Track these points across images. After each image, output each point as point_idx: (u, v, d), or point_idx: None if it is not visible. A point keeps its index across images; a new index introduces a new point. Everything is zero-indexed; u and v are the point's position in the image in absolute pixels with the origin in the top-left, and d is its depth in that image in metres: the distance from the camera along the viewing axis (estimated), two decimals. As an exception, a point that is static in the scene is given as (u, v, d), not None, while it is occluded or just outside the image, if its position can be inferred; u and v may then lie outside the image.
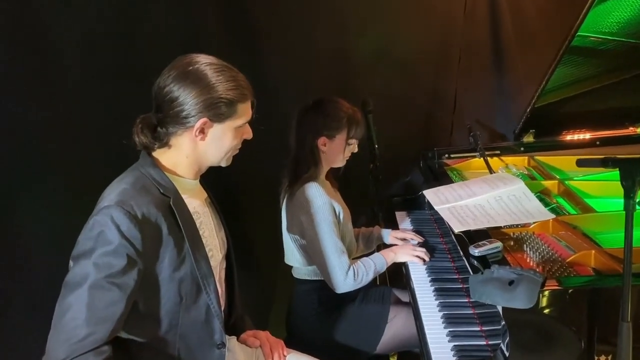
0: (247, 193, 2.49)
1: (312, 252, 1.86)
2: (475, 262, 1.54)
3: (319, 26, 2.52)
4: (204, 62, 1.33)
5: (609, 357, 1.28)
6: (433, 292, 1.80)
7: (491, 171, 2.24)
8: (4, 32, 1.71)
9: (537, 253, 1.62)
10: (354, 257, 2.02)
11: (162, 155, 1.39)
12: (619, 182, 2.03)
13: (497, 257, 1.54)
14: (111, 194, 1.29)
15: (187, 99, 1.29)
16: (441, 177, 2.38)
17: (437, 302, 1.73)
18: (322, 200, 1.84)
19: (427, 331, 1.59)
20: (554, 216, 1.74)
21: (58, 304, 1.22)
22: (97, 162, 1.85)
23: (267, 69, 2.46)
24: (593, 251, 1.55)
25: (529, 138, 2.60)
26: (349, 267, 1.81)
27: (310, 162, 1.90)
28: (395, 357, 2.21)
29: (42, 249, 1.85)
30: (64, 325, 1.18)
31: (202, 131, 1.34)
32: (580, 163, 1.20)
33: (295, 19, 2.46)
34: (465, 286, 1.81)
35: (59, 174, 1.86)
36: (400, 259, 1.97)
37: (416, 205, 2.58)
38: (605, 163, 1.09)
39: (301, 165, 1.90)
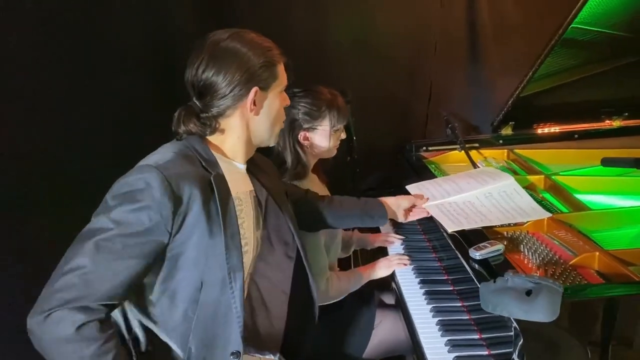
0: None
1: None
2: (477, 265, 1.43)
3: (294, 14, 2.40)
4: (227, 37, 1.27)
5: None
6: (424, 295, 1.70)
7: (474, 165, 2.15)
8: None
9: (536, 255, 1.53)
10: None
11: (214, 140, 1.33)
12: (606, 178, 2.06)
13: (499, 260, 1.44)
14: (151, 157, 1.22)
15: (230, 77, 1.24)
16: (420, 170, 2.28)
17: (429, 306, 1.63)
18: None
19: (423, 341, 1.48)
20: (550, 214, 1.66)
21: (65, 255, 1.12)
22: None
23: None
24: (597, 253, 1.47)
25: (507, 130, 2.53)
26: (326, 279, 1.69)
27: (294, 160, 1.76)
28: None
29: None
30: (61, 275, 1.09)
31: (254, 103, 1.28)
32: (606, 162, 1.10)
33: (270, 6, 2.32)
34: (456, 288, 1.71)
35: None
36: (380, 274, 1.87)
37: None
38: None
39: (285, 164, 1.76)
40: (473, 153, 2.42)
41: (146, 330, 1.27)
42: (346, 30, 2.52)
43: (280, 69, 1.32)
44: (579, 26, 2.11)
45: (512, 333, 1.27)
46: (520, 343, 1.20)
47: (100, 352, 1.08)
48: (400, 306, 1.71)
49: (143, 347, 1.28)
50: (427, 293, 1.70)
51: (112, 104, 1.82)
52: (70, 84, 1.70)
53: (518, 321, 1.20)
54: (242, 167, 1.37)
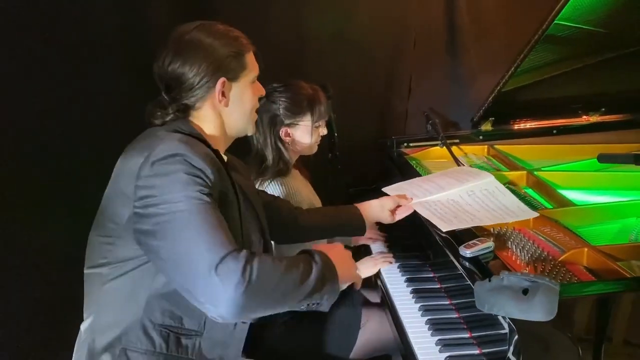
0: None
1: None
2: (467, 263, 1.41)
3: (273, 8, 2.35)
4: (192, 29, 1.25)
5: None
6: (411, 293, 1.68)
7: (456, 160, 2.14)
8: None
9: (525, 251, 1.52)
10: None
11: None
12: (588, 173, 2.08)
13: (489, 257, 1.42)
14: (160, 146, 1.15)
15: (196, 69, 1.22)
16: (402, 167, 2.26)
17: (417, 305, 1.61)
18: (293, 198, 1.66)
19: (413, 341, 1.46)
20: (537, 214, 1.65)
21: (166, 249, 1.09)
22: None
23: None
24: (585, 249, 1.47)
25: (487, 126, 2.53)
26: None
27: (275, 157, 1.71)
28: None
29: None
30: (190, 254, 1.06)
31: (223, 94, 1.26)
32: (602, 159, 1.08)
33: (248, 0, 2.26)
34: (443, 286, 1.69)
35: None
36: (365, 274, 1.81)
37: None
38: (639, 159, 0.98)
39: (266, 161, 1.71)
40: (454, 149, 2.41)
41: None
42: (325, 24, 2.48)
43: (249, 58, 1.30)
44: (560, 22, 2.12)
45: (502, 331, 1.25)
46: (515, 339, 1.18)
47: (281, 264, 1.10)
48: (387, 305, 1.68)
49: None
50: (414, 291, 1.68)
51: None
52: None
53: (512, 319, 1.18)
54: (224, 158, 1.34)
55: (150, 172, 1.12)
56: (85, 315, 1.29)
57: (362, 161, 2.54)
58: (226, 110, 1.28)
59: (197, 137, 1.24)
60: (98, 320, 1.24)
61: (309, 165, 1.99)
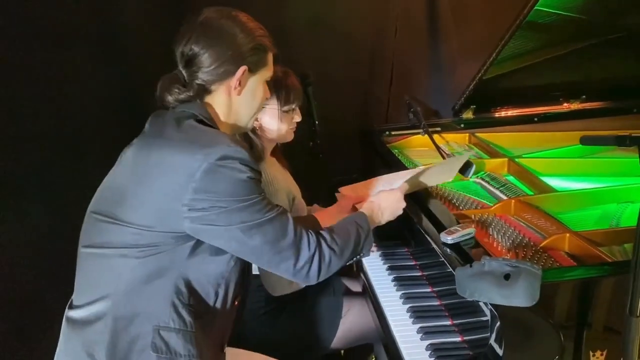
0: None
1: None
2: (449, 250, 1.39)
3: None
4: (221, 15, 1.26)
5: (605, 352, 1.19)
6: (392, 281, 1.66)
7: (438, 148, 2.12)
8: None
9: (506, 237, 1.52)
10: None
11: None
12: (570, 160, 2.08)
13: (470, 243, 1.41)
14: (207, 146, 1.15)
15: (219, 52, 1.22)
16: (385, 155, 2.24)
17: (399, 293, 1.59)
18: (270, 187, 1.62)
19: (394, 329, 1.44)
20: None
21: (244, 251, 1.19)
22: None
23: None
24: (567, 235, 1.46)
25: (468, 114, 2.51)
26: None
27: (246, 142, 1.67)
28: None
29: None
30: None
31: (240, 83, 1.25)
32: (585, 141, 1.07)
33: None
34: (424, 274, 1.68)
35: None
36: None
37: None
38: (621, 141, 0.96)
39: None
40: (435, 137, 2.39)
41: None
42: (306, 11, 2.44)
43: (270, 58, 1.31)
44: (540, 8, 2.10)
45: (483, 318, 1.24)
46: (497, 326, 1.17)
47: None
48: (368, 294, 1.67)
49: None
50: (396, 279, 1.66)
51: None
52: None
53: (494, 306, 1.17)
54: None
55: (213, 178, 1.13)
56: (87, 299, 1.22)
57: (344, 149, 2.51)
58: (238, 99, 1.28)
59: (212, 126, 1.25)
60: (120, 303, 1.18)
61: (286, 153, 1.94)
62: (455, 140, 2.45)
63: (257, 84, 1.29)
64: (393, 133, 2.45)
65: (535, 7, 2.07)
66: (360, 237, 1.32)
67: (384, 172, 1.84)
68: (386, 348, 1.47)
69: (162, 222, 1.16)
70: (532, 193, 1.83)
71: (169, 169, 1.16)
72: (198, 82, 1.24)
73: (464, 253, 1.36)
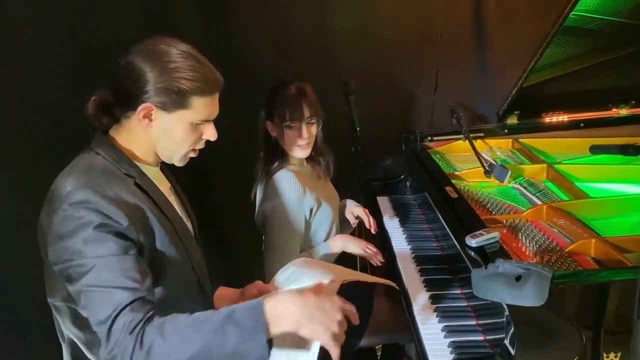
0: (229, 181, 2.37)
1: (265, 247, 1.78)
2: (473, 253, 1.45)
3: (295, 4, 2.41)
4: (175, 45, 1.21)
5: (619, 355, 1.21)
6: (423, 283, 1.72)
7: (478, 155, 2.15)
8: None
9: (534, 242, 1.55)
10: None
11: (118, 136, 1.27)
12: (611, 166, 2.06)
13: (495, 247, 1.46)
14: (68, 181, 1.15)
15: (139, 78, 1.18)
16: (425, 161, 2.29)
17: (428, 294, 1.65)
18: (283, 196, 1.74)
19: (420, 326, 1.50)
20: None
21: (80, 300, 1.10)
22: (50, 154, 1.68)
23: (241, 47, 2.35)
24: (593, 240, 1.48)
25: (512, 120, 2.52)
26: None
27: (269, 151, 1.81)
28: (380, 349, 2.13)
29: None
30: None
31: (147, 117, 1.21)
32: (594, 149, 1.10)
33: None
34: (457, 276, 1.73)
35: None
36: (351, 249, 1.86)
37: (398, 190, 2.50)
38: (625, 150, 1.00)
39: (263, 154, 1.83)
40: (478, 143, 2.43)
41: None
42: (350, 20, 2.52)
43: (200, 102, 1.22)
44: (582, 14, 2.10)
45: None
46: (511, 331, 1.22)
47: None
48: (401, 293, 1.73)
49: None
50: (427, 282, 1.72)
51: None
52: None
53: (510, 307, 1.22)
54: (153, 169, 1.33)
55: (62, 226, 1.11)
56: (62, 339, 1.32)
57: (385, 155, 2.58)
58: (151, 131, 1.24)
59: (121, 161, 1.23)
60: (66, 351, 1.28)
61: (321, 157, 2.01)
62: (498, 145, 2.48)
63: (173, 123, 1.23)
64: (435, 138, 2.50)
65: (579, 13, 2.08)
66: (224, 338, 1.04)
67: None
68: (415, 345, 1.53)
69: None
70: (568, 199, 1.85)
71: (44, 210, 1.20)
72: (118, 106, 1.23)
73: (487, 256, 1.40)
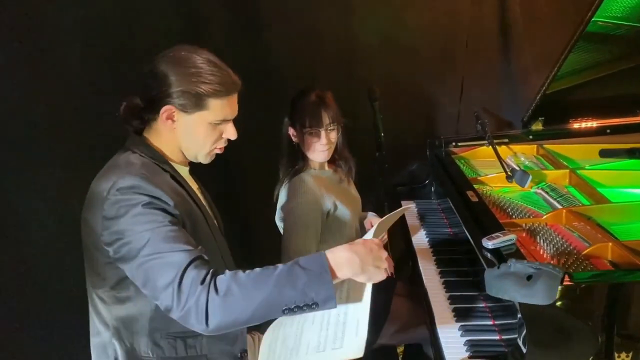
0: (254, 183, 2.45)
1: (282, 248, 1.84)
2: (489, 255, 1.49)
3: (324, 10, 2.48)
4: (195, 52, 1.32)
5: (630, 355, 1.24)
6: (442, 284, 1.76)
7: (500, 160, 2.18)
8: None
9: (551, 245, 1.58)
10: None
11: (149, 137, 1.39)
12: (634, 172, 2.06)
13: (511, 249, 1.49)
14: (110, 177, 1.25)
15: (162, 82, 1.29)
16: (449, 166, 2.33)
17: (447, 294, 1.69)
18: (301, 198, 1.79)
19: (437, 325, 1.55)
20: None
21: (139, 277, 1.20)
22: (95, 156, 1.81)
23: (269, 55, 2.42)
24: (610, 243, 1.50)
25: (537, 126, 2.53)
26: None
27: (291, 156, 1.87)
28: (402, 349, 2.17)
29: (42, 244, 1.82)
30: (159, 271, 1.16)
31: (170, 118, 1.32)
32: (603, 153, 1.14)
33: (298, 3, 2.41)
34: (476, 279, 1.76)
35: (57, 167, 1.83)
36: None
37: (422, 194, 2.53)
38: (632, 153, 1.03)
39: (285, 158, 1.90)
40: (503, 148, 2.45)
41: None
42: (376, 27, 2.58)
43: (217, 103, 1.32)
44: (608, 21, 2.11)
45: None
46: (524, 333, 1.26)
47: None
48: (421, 294, 1.78)
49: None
50: (446, 283, 1.76)
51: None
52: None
53: (523, 308, 1.26)
54: (184, 169, 1.44)
55: (113, 210, 1.21)
56: (94, 331, 1.41)
57: (410, 160, 2.62)
58: (175, 132, 1.34)
59: (156, 158, 1.34)
60: (110, 338, 1.37)
61: (343, 161, 2.07)
62: (523, 151, 2.49)
63: (193, 124, 1.33)
64: (460, 144, 2.53)
65: (605, 20, 2.10)
66: (294, 280, 1.14)
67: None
68: (431, 342, 1.57)
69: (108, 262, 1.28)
70: (589, 204, 1.86)
71: (91, 203, 1.29)
72: (147, 109, 1.34)
73: (502, 258, 1.44)
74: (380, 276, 1.24)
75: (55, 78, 1.81)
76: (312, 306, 1.14)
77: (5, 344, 1.84)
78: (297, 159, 1.89)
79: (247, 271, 1.17)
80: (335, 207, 1.86)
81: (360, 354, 1.19)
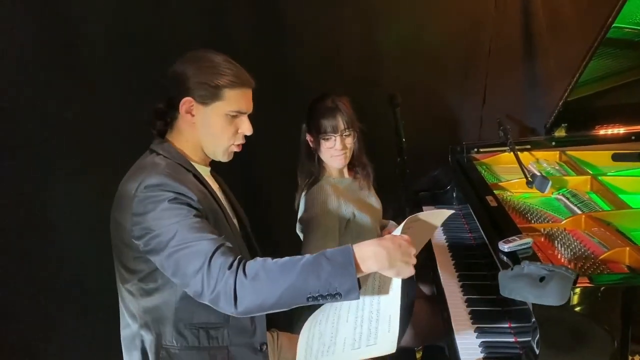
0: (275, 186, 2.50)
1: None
2: (505, 257, 1.50)
3: (346, 17, 2.52)
4: (211, 52, 1.43)
5: (643, 357, 1.24)
6: (460, 288, 1.78)
7: (521, 166, 2.19)
8: (34, 31, 1.77)
9: (569, 250, 1.59)
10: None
11: (172, 139, 1.47)
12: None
13: (527, 253, 1.50)
14: (137, 179, 1.33)
15: (180, 77, 1.39)
16: (469, 172, 2.35)
17: (465, 297, 1.71)
18: (318, 208, 1.81)
19: (454, 327, 1.57)
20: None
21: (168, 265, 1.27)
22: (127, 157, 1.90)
23: (292, 60, 2.47)
24: (627, 248, 1.51)
25: (560, 132, 2.53)
26: None
27: (309, 162, 1.91)
28: (421, 352, 2.19)
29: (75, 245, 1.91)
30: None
31: (189, 112, 1.40)
32: (617, 157, 1.15)
33: (321, 9, 2.45)
34: (494, 283, 1.78)
35: (85, 170, 1.92)
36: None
37: (444, 200, 2.55)
38: (642, 157, 1.05)
39: (304, 165, 1.93)
40: (525, 155, 2.46)
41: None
42: (398, 33, 2.62)
43: (232, 94, 1.41)
44: (632, 27, 2.11)
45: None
46: (538, 336, 1.27)
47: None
48: (438, 296, 1.80)
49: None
50: (464, 287, 1.78)
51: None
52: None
53: (537, 311, 1.27)
54: (205, 169, 1.52)
55: (141, 206, 1.29)
56: (124, 324, 1.49)
57: (432, 166, 2.64)
58: (195, 127, 1.43)
59: (179, 159, 1.42)
60: (138, 329, 1.45)
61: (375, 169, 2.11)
62: (545, 158, 2.49)
63: (211, 116, 1.41)
64: (482, 150, 2.55)
65: (628, 26, 2.09)
66: (318, 268, 1.19)
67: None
68: (447, 344, 1.59)
69: (137, 256, 1.37)
70: (609, 210, 1.86)
71: (120, 203, 1.38)
72: (170, 112, 1.43)
73: (518, 261, 1.46)
74: (409, 272, 1.27)
75: (83, 82, 1.90)
76: (335, 296, 1.19)
77: (40, 339, 1.93)
78: (315, 166, 1.91)
79: (275, 259, 1.23)
80: (354, 215, 1.88)
81: (394, 350, 1.23)
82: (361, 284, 1.23)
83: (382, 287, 1.35)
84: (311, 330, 1.44)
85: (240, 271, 1.19)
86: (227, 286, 1.18)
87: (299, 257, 1.23)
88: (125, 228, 1.33)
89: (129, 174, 1.41)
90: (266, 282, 1.18)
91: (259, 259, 1.23)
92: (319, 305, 1.45)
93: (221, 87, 1.39)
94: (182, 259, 1.23)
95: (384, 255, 1.23)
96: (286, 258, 1.23)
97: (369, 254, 1.23)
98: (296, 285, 1.18)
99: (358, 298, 1.21)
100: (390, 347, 1.23)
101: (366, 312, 1.32)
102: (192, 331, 1.41)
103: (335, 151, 1.86)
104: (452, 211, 1.50)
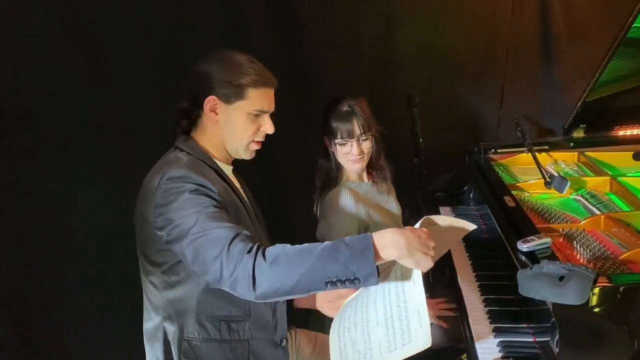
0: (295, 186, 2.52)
1: None
2: (523, 257, 1.51)
3: (364, 17, 2.53)
4: (236, 52, 1.46)
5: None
6: (478, 288, 1.78)
7: (539, 167, 2.18)
8: (58, 33, 1.80)
9: (588, 250, 1.58)
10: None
11: (196, 137, 1.50)
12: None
13: (546, 253, 1.50)
14: (160, 173, 1.36)
15: (204, 76, 1.42)
16: (487, 172, 2.34)
17: (482, 297, 1.72)
18: (336, 214, 1.81)
19: (472, 327, 1.57)
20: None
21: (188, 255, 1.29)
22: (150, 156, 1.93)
23: (309, 60, 2.48)
24: (646, 249, 1.50)
25: (579, 133, 2.52)
26: None
27: (327, 166, 1.89)
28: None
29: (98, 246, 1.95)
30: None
31: (213, 110, 1.44)
32: (637, 156, 1.15)
33: (339, 9, 2.47)
34: (512, 283, 1.78)
35: (112, 167, 1.95)
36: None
37: (461, 200, 2.55)
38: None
39: (322, 168, 1.91)
40: (543, 156, 2.44)
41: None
42: (415, 33, 2.63)
43: (255, 93, 1.44)
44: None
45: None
46: (557, 336, 1.27)
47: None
48: (455, 297, 1.80)
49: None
50: (481, 287, 1.78)
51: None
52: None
53: (556, 311, 1.27)
54: (228, 167, 1.54)
55: (164, 197, 1.33)
56: (147, 317, 1.53)
57: (449, 166, 2.64)
58: (218, 125, 1.46)
59: (202, 156, 1.45)
60: (161, 321, 1.48)
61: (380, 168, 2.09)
62: (564, 158, 2.47)
63: (233, 113, 1.44)
64: (499, 151, 2.54)
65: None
66: (336, 253, 1.21)
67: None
68: (466, 344, 1.60)
69: (161, 248, 1.40)
70: (629, 210, 1.85)
71: (144, 197, 1.42)
72: (194, 111, 1.47)
73: (536, 260, 1.46)
74: (428, 263, 1.26)
75: (108, 79, 1.93)
76: (354, 281, 1.19)
77: (65, 334, 1.97)
78: (333, 169, 1.88)
79: (295, 245, 1.24)
80: (373, 220, 1.87)
81: (429, 344, 1.21)
82: (382, 279, 1.23)
83: (405, 280, 1.34)
84: (341, 339, 1.40)
85: (259, 255, 1.20)
86: (245, 269, 1.19)
87: (318, 243, 1.25)
88: (149, 220, 1.37)
89: (154, 169, 1.44)
90: (285, 265, 1.19)
91: (278, 245, 1.25)
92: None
93: (244, 86, 1.42)
94: (201, 246, 1.25)
95: (403, 243, 1.22)
96: (305, 244, 1.25)
97: (388, 242, 1.23)
98: (315, 269, 1.18)
99: (376, 284, 1.21)
100: (425, 342, 1.21)
101: (394, 311, 1.31)
102: (214, 323, 1.44)
103: (352, 156, 1.83)
104: (475, 226, 1.47)
